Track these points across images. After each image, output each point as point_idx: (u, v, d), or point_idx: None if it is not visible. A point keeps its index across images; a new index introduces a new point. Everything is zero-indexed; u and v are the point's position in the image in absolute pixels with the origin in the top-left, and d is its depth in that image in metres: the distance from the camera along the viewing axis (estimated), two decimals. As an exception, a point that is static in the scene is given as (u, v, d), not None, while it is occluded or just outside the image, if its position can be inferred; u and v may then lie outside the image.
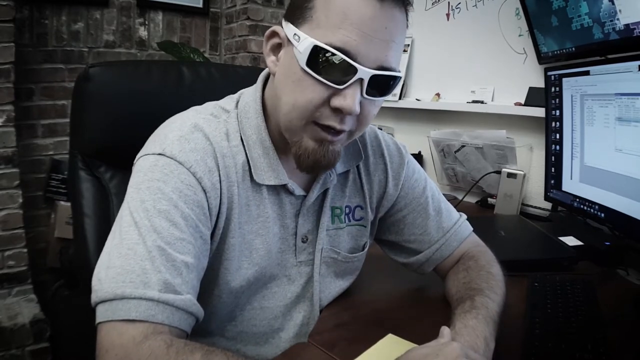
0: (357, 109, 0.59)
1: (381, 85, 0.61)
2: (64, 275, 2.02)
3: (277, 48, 0.65)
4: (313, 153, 0.62)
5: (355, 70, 0.57)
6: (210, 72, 0.98)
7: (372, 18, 0.57)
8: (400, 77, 0.63)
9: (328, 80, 0.58)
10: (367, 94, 0.60)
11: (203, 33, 2.60)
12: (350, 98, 0.58)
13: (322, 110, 0.60)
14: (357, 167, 0.79)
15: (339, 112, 0.59)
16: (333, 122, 0.60)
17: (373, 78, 0.59)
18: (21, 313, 1.84)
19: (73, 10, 2.18)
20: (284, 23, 0.63)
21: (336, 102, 0.59)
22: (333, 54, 0.57)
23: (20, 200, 1.92)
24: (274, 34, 0.65)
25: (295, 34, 0.60)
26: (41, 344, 1.84)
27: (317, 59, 0.58)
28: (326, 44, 0.57)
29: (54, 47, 2.15)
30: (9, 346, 1.77)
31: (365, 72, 0.58)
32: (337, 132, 0.62)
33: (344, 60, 0.57)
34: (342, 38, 0.57)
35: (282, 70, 0.64)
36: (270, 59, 0.66)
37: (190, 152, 0.61)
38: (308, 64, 0.58)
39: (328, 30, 0.57)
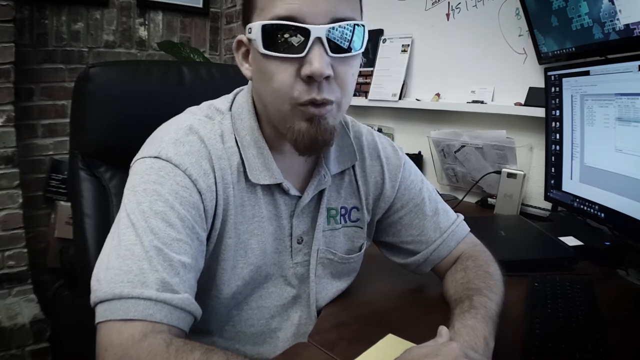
0: (327, 70, 0.58)
1: (345, 39, 0.60)
2: (64, 275, 2.02)
3: (246, 56, 0.67)
4: (307, 132, 0.61)
5: (308, 32, 0.57)
6: (210, 72, 0.98)
7: None
8: (363, 25, 0.61)
9: (288, 53, 0.58)
10: (333, 52, 0.58)
11: (203, 33, 2.61)
12: (317, 61, 0.57)
13: (298, 87, 0.59)
14: (353, 168, 0.79)
15: (312, 81, 0.59)
16: (312, 95, 0.59)
17: (332, 34, 0.58)
18: (21, 313, 1.84)
19: (73, 10, 2.19)
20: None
21: (305, 70, 0.58)
22: (280, 26, 0.57)
23: (20, 200, 1.93)
24: (240, 43, 0.67)
25: (249, 28, 0.61)
26: (41, 344, 1.84)
27: (270, 38, 0.58)
28: (271, 19, 0.58)
29: (54, 47, 2.16)
30: (9, 346, 1.77)
31: (318, 30, 0.57)
32: (323, 104, 0.61)
33: (293, 25, 0.57)
34: (284, 7, 0.57)
35: (253, 70, 0.65)
36: (244, 68, 0.68)
37: (186, 155, 0.62)
38: (265, 46, 0.58)
39: (270, 8, 0.58)
